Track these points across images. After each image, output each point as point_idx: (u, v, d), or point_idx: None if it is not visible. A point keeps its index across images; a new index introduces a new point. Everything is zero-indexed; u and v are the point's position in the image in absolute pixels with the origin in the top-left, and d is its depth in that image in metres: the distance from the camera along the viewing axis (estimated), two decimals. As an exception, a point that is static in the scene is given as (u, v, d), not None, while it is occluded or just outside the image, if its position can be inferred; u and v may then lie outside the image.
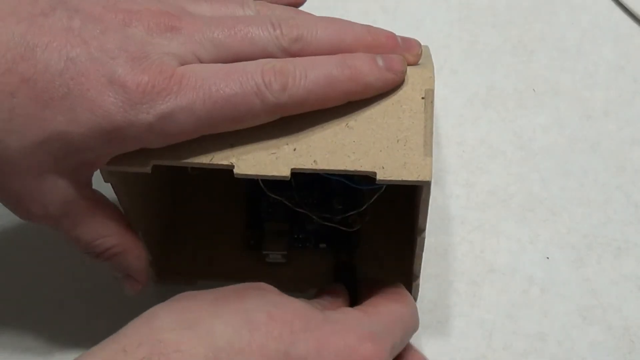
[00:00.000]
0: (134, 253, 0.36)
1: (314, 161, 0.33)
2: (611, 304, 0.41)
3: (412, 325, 0.36)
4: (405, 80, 0.35)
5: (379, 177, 0.33)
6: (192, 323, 0.30)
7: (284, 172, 0.33)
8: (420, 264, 0.38)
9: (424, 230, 0.36)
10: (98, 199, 0.35)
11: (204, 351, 0.28)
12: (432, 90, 0.35)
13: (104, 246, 0.35)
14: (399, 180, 0.33)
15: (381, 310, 0.34)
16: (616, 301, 0.41)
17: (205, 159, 0.33)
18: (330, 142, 0.33)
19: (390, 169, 0.33)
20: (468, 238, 0.43)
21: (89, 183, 0.34)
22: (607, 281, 0.42)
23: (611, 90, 0.49)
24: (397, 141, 0.33)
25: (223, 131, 0.33)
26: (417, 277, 0.39)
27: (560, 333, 0.40)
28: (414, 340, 0.40)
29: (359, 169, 0.33)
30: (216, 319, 0.30)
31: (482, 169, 0.46)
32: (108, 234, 0.35)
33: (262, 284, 0.34)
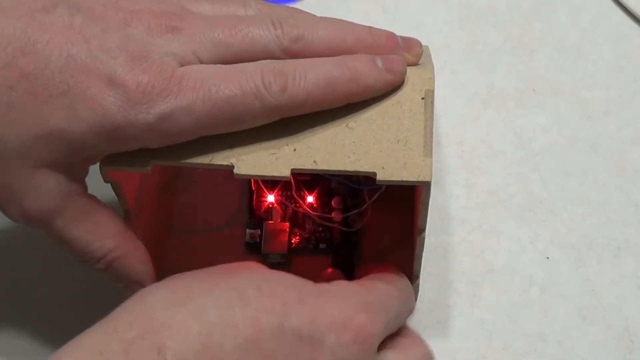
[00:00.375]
0: (137, 256, 0.36)
1: (314, 161, 0.33)
2: (611, 304, 0.41)
3: (408, 304, 0.36)
4: (405, 80, 0.35)
5: (379, 177, 0.33)
6: (183, 301, 0.29)
7: (284, 172, 0.33)
8: (420, 264, 0.38)
9: (424, 230, 0.36)
10: (93, 199, 0.34)
11: (197, 327, 0.28)
12: (432, 91, 0.35)
13: (103, 250, 0.34)
14: (399, 181, 0.33)
15: (378, 285, 0.34)
16: (616, 301, 0.41)
17: (205, 160, 0.33)
18: (330, 143, 0.33)
19: (390, 170, 0.33)
20: (468, 238, 0.43)
21: (84, 180, 0.34)
22: (607, 281, 0.42)
23: (611, 90, 0.49)
24: (397, 142, 0.33)
25: (223, 132, 0.33)
26: (417, 277, 0.39)
27: (560, 333, 0.40)
28: (414, 340, 0.40)
29: (359, 169, 0.33)
30: (208, 295, 0.30)
31: (482, 169, 0.46)
32: (106, 236, 0.34)
33: (252, 262, 0.34)
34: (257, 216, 0.43)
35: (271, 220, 0.42)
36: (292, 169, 0.33)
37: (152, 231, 0.41)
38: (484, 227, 0.44)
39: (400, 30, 0.52)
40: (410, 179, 0.33)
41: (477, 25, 0.52)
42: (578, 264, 0.42)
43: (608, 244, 0.43)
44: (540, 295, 0.41)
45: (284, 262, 0.42)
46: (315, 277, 0.41)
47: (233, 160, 0.33)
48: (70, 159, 0.32)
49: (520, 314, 0.41)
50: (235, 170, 0.33)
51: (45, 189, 0.32)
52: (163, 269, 0.42)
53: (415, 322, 0.40)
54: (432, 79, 0.35)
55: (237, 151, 0.33)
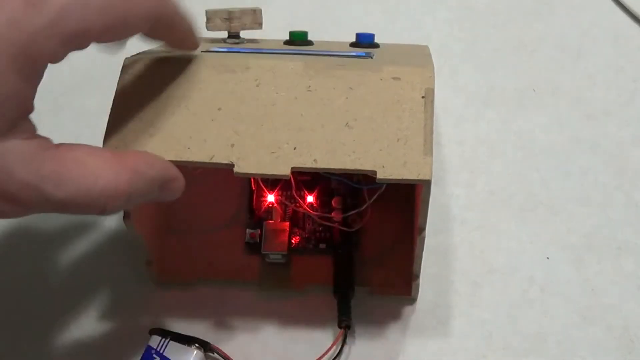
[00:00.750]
0: (149, 161, 0.32)
1: (314, 160, 0.33)
2: (611, 304, 0.41)
3: None
4: (406, 80, 0.35)
5: (379, 176, 0.33)
6: None
7: (284, 171, 0.33)
8: (420, 264, 0.38)
9: (424, 229, 0.36)
10: (63, 146, 0.31)
11: None
12: (432, 89, 0.35)
13: (110, 189, 0.30)
14: (399, 179, 0.33)
15: None
16: (616, 301, 0.41)
17: (205, 158, 0.33)
18: (330, 142, 0.34)
19: (390, 168, 0.33)
20: (468, 238, 0.43)
21: (35, 133, 0.31)
22: (607, 281, 0.42)
23: (611, 90, 0.49)
24: (397, 140, 0.33)
25: (118, 35, 0.31)
26: (417, 277, 0.39)
27: (560, 333, 0.40)
28: (413, 340, 0.40)
29: (359, 167, 0.33)
30: None
31: (482, 169, 0.46)
32: (105, 171, 0.31)
33: None
34: (257, 216, 0.43)
35: (271, 220, 0.42)
36: (292, 168, 0.33)
37: (152, 231, 0.41)
38: (484, 227, 0.44)
39: (400, 30, 0.52)
40: (410, 177, 0.33)
41: (477, 25, 0.52)
42: (578, 264, 0.42)
43: (608, 244, 0.43)
44: (540, 295, 0.41)
45: (284, 262, 0.42)
46: (315, 277, 0.41)
47: (233, 159, 0.33)
48: (6, 114, 0.29)
49: (520, 314, 0.41)
50: (236, 169, 0.33)
51: (8, 160, 0.29)
52: (163, 269, 0.42)
53: (415, 322, 0.40)
54: (432, 78, 0.35)
55: (237, 150, 0.33)
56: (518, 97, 0.49)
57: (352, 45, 0.42)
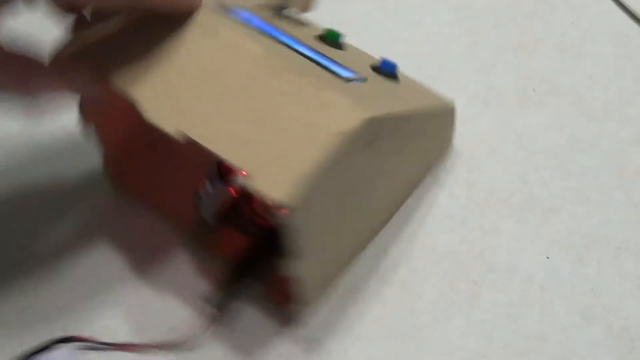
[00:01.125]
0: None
1: (203, 135, 0.34)
2: (611, 304, 0.41)
3: None
4: (337, 111, 0.34)
5: (248, 181, 0.32)
6: None
7: (172, 131, 0.34)
8: (302, 290, 0.37)
9: (293, 256, 0.35)
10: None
11: None
12: (354, 134, 0.34)
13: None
14: (261, 193, 0.32)
15: None
16: (616, 301, 0.41)
17: (127, 89, 0.35)
18: (230, 129, 0.34)
19: (261, 179, 0.32)
20: (468, 238, 0.43)
21: None
22: (607, 281, 0.42)
23: (611, 90, 0.49)
24: (286, 160, 0.33)
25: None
26: (299, 304, 0.38)
27: (560, 333, 0.40)
28: (412, 340, 0.40)
29: (235, 162, 0.33)
30: None
31: (482, 169, 0.46)
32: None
33: None
34: (222, 174, 0.41)
35: (230, 185, 0.41)
36: (179, 132, 0.34)
37: (123, 142, 0.42)
38: (484, 227, 0.44)
39: (400, 30, 0.52)
40: (271, 196, 0.32)
41: (477, 25, 0.52)
42: (578, 264, 0.42)
43: (608, 243, 0.43)
44: (540, 295, 0.41)
45: (215, 226, 0.41)
46: (233, 253, 0.41)
47: (147, 102, 0.35)
48: None
49: (520, 314, 0.41)
50: (143, 112, 0.34)
51: None
52: (124, 185, 0.43)
53: (415, 322, 0.40)
54: (368, 123, 0.34)
55: (155, 96, 0.35)
56: (518, 97, 0.49)
57: (374, 69, 0.41)
